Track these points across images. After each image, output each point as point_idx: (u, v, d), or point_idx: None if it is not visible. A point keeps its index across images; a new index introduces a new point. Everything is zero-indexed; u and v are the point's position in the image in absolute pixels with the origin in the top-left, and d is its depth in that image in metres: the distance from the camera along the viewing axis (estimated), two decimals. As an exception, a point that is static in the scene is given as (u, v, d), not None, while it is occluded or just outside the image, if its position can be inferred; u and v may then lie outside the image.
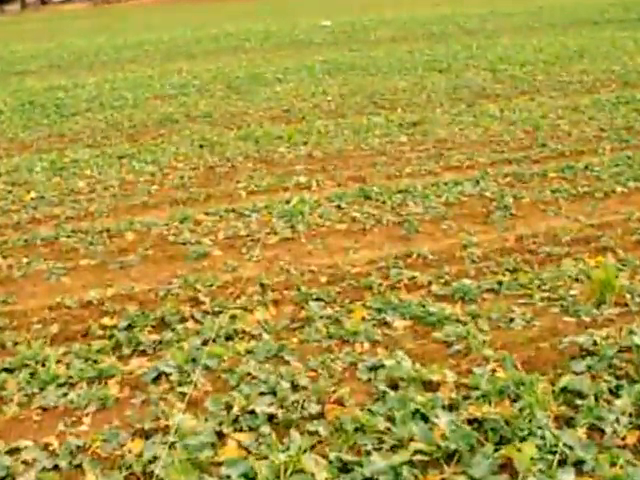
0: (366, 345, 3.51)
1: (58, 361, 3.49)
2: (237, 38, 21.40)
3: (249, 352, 3.46)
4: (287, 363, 3.36)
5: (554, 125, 8.18)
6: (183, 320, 3.88)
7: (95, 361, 3.49)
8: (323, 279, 4.35)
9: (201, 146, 8.05)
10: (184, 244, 5.12)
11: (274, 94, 11.15)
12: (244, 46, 18.98)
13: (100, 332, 3.81)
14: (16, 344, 3.73)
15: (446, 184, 6.15)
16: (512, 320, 3.71)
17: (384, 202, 5.75)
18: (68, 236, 5.42)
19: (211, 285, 4.32)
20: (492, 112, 8.92)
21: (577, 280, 4.14)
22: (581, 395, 2.93)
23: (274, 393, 3.05)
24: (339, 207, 5.71)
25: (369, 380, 3.16)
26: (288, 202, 5.81)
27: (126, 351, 3.60)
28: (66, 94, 12.46)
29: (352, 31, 21.29)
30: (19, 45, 25.18)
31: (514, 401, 2.89)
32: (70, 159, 7.83)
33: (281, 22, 27.65)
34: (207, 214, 5.73)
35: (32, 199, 6.43)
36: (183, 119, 9.75)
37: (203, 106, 10.55)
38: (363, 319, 3.75)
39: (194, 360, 3.38)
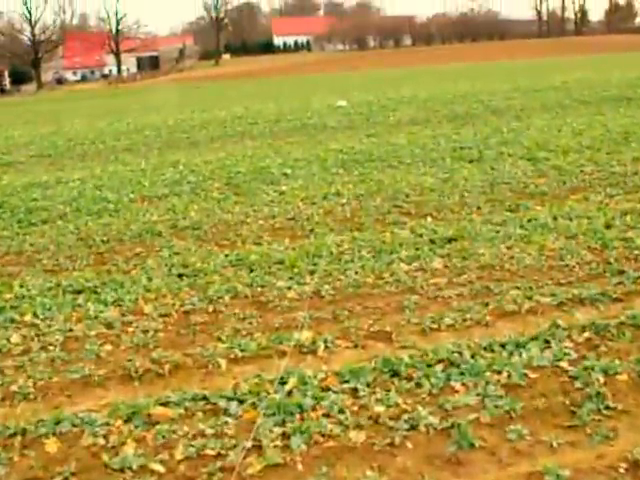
0: None
1: None
2: (245, 121, 20.04)
3: None
4: None
5: (625, 239, 6.44)
6: None
7: None
8: None
9: (180, 276, 6.37)
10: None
11: (279, 195, 9.53)
12: (252, 131, 17.56)
13: None
14: None
15: (504, 346, 4.39)
16: None
17: (419, 384, 4.00)
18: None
19: None
20: (543, 219, 7.21)
21: None
22: None
23: None
24: (355, 392, 3.97)
25: None
26: (283, 382, 4.08)
27: None
28: (44, 194, 10.93)
29: (369, 112, 19.88)
30: (17, 130, 24.02)
31: None
32: (15, 294, 6.16)
33: (295, 102, 26.43)
34: (166, 404, 3.99)
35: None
36: (167, 231, 8.12)
37: (194, 212, 8.93)
38: None
39: None
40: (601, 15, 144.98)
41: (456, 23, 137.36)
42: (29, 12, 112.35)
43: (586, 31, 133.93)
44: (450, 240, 6.74)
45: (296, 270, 6.17)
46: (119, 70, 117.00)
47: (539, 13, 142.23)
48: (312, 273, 6.08)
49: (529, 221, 7.23)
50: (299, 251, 6.74)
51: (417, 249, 6.49)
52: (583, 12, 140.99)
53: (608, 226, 6.89)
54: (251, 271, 6.35)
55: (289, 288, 5.77)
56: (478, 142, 12.76)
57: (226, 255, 6.88)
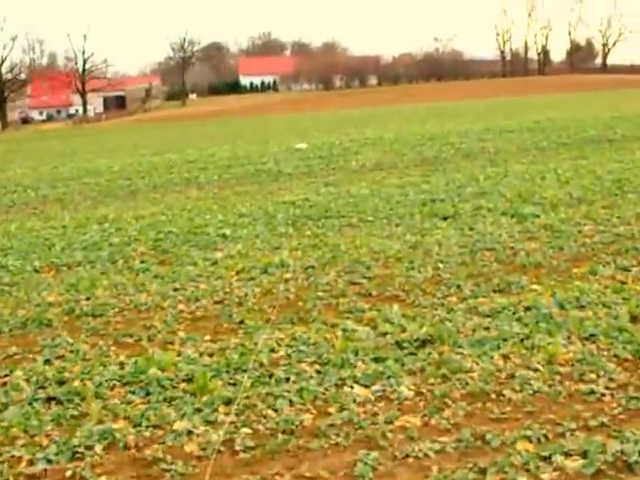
0: None
1: None
2: (196, 167, 18.25)
3: None
4: None
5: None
6: None
7: None
8: None
9: (50, 400, 4.50)
10: None
11: (210, 266, 7.71)
12: (199, 179, 15.76)
13: None
14: None
15: None
16: None
17: None
18: None
19: None
20: (545, 308, 5.46)
21: None
22: None
23: None
24: None
25: None
26: None
27: None
28: None
29: (330, 156, 18.20)
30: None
31: None
32: None
33: (253, 145, 24.73)
34: None
35: None
36: (60, 320, 6.25)
37: (101, 290, 7.06)
38: None
39: None
40: (563, 55, 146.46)
41: (421, 63, 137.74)
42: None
43: (549, 70, 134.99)
44: (424, 342, 4.94)
45: (207, 397, 4.33)
46: (85, 110, 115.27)
47: (502, 53, 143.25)
48: (228, 403, 4.24)
49: (527, 310, 5.47)
50: (217, 358, 4.91)
51: (378, 360, 4.67)
52: (545, 52, 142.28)
53: (634, 317, 5.16)
54: (147, 394, 4.50)
55: (190, 433, 3.92)
56: (451, 193, 11.09)
57: (121, 365, 5.02)
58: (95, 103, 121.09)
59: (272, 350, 5.02)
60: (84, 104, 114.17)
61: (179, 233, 9.52)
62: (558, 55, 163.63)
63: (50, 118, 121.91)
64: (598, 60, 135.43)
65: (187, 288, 6.89)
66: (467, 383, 4.24)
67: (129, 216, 11.24)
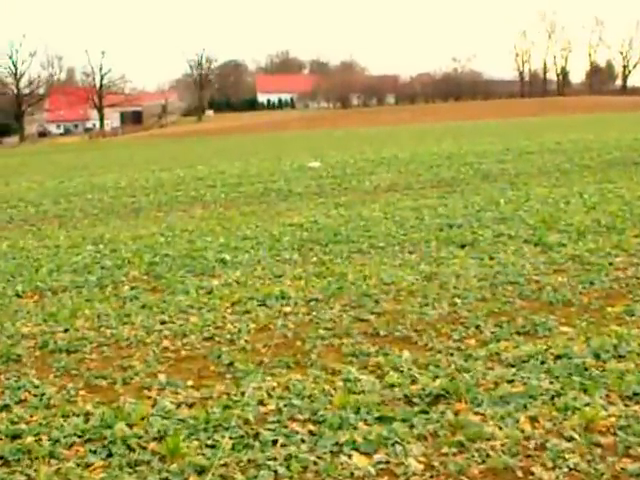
0: None
1: None
2: (204, 184, 17.65)
3: None
4: None
5: None
6: None
7: None
8: None
9: (-14, 467, 3.82)
10: None
11: (205, 295, 7.03)
12: (205, 197, 15.14)
13: None
14: None
15: None
16: None
17: None
18: None
19: None
20: (579, 356, 4.74)
21: None
22: None
23: None
24: None
25: None
26: None
27: None
28: None
29: (343, 175, 17.55)
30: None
31: None
32: None
33: (265, 162, 24.14)
34: None
35: None
36: (30, 356, 5.59)
37: (82, 321, 6.40)
38: None
39: None
40: (582, 76, 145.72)
41: (439, 82, 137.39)
42: (15, 66, 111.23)
43: (568, 92, 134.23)
44: (437, 398, 4.23)
45: (177, 464, 3.63)
46: (102, 124, 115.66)
47: (521, 74, 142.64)
48: (201, 472, 3.54)
49: (558, 359, 4.75)
50: (196, 412, 4.22)
51: (383, 420, 3.97)
52: (565, 73, 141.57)
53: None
54: (109, 455, 3.82)
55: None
56: (470, 217, 10.38)
57: (86, 416, 4.34)
58: (112, 118, 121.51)
59: (261, 402, 4.32)
60: (101, 119, 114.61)
61: (176, 256, 8.86)
62: (577, 76, 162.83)
63: (67, 132, 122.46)
64: (618, 82, 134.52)
65: (175, 321, 6.22)
66: (488, 455, 3.53)
67: (127, 236, 10.61)
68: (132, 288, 7.53)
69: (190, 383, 4.80)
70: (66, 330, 6.18)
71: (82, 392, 4.80)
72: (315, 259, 8.37)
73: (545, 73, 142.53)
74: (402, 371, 4.64)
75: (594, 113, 71.24)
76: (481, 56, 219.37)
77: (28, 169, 32.23)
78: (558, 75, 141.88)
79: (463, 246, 8.62)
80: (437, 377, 4.48)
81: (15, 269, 8.93)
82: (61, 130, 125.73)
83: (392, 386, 4.41)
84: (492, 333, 5.40)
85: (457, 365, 4.71)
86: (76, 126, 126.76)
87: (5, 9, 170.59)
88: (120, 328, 6.13)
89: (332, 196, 14.01)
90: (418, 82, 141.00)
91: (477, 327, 5.55)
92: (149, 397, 4.58)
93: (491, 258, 7.82)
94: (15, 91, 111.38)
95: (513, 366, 4.66)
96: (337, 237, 9.50)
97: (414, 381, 4.47)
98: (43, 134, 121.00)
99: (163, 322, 6.20)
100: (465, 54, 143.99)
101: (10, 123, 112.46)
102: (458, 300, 6.27)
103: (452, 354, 4.96)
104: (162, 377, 4.94)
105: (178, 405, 4.39)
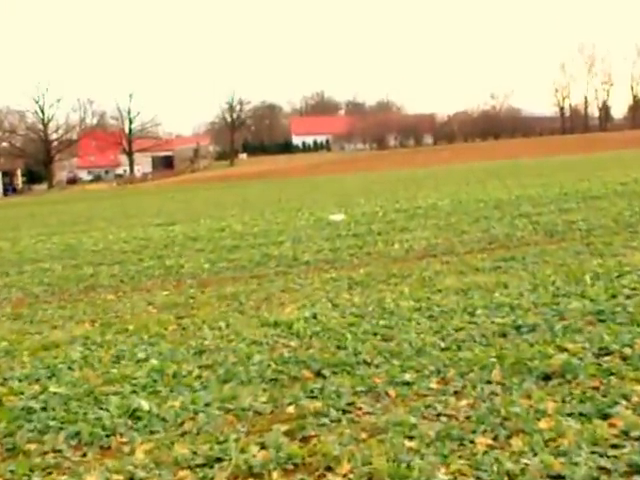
0: None
1: None
2: (194, 246, 14.23)
3: None
4: None
5: None
6: None
7: None
8: None
9: None
10: None
11: None
12: (182, 268, 11.66)
13: None
14: None
15: None
16: None
17: None
18: None
19: None
20: None
21: None
22: None
23: None
24: None
25: None
26: None
27: None
28: None
29: (368, 233, 14.01)
30: None
31: None
32: None
33: (280, 214, 20.71)
34: None
35: None
36: None
37: None
38: None
39: None
40: (624, 111, 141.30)
41: (477, 120, 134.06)
42: (42, 111, 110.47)
43: (610, 127, 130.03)
44: None
45: None
46: (132, 170, 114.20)
47: (561, 109, 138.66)
48: None
49: None
50: None
51: None
52: (606, 108, 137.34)
53: None
54: None
55: None
56: (546, 310, 6.74)
57: None
58: (143, 163, 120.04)
59: None
60: (131, 164, 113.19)
61: (69, 400, 5.34)
62: (619, 110, 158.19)
63: (98, 178, 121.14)
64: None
65: None
66: None
67: (28, 346, 7.12)
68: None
69: None
70: None
71: None
72: (292, 409, 4.81)
73: (586, 108, 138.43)
74: None
75: (637, 148, 67.14)
76: (519, 92, 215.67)
77: (25, 222, 29.27)
78: (600, 110, 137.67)
79: (547, 377, 5.01)
80: None
81: None
82: (92, 176, 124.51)
83: None
84: None
85: None
86: (107, 172, 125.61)
87: (38, 50, 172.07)
88: None
89: (348, 267, 10.45)
90: (456, 121, 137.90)
91: None
92: None
93: (603, 415, 4.19)
94: (43, 137, 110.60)
95: None
96: (339, 354, 5.92)
97: None
98: (73, 180, 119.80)
99: None
100: (503, 91, 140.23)
101: (41, 170, 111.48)
102: None
103: None
104: None
105: None
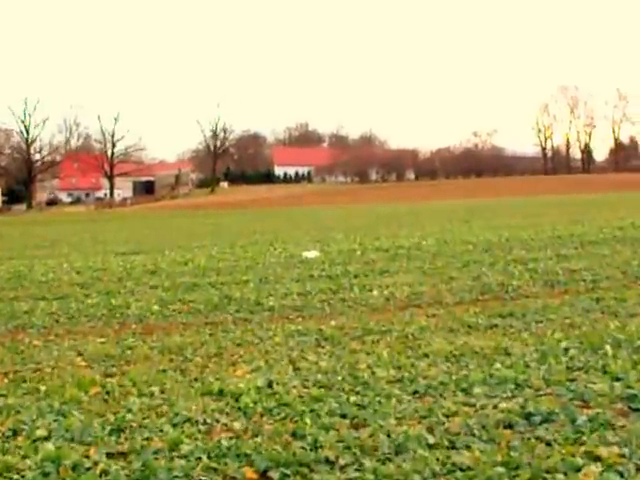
0: None
1: None
2: (149, 281, 12.73)
3: None
4: None
5: None
6: None
7: None
8: None
9: None
10: None
11: None
12: (130, 308, 10.15)
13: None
14: None
15: None
16: None
17: None
18: None
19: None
20: None
21: None
22: None
23: None
24: None
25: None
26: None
27: None
28: None
29: (343, 275, 12.55)
30: None
31: None
32: None
33: (251, 248, 19.25)
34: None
35: None
36: None
37: None
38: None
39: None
40: (605, 153, 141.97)
41: (460, 158, 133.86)
42: (27, 130, 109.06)
43: (592, 169, 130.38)
44: None
45: None
46: (112, 194, 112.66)
47: (544, 150, 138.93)
48: None
49: None
50: None
51: None
52: (588, 150, 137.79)
53: None
54: None
55: None
56: (561, 390, 5.31)
57: None
58: (124, 187, 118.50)
59: None
60: (111, 188, 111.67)
61: None
62: (601, 152, 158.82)
63: (77, 200, 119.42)
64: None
65: None
66: None
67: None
68: None
69: None
70: None
71: None
72: None
73: (568, 149, 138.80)
74: None
75: (622, 191, 66.71)
76: (502, 131, 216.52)
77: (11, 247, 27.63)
78: (582, 152, 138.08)
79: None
80: None
81: None
82: (72, 198, 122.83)
83: None
84: None
85: None
86: (87, 195, 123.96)
87: (27, 71, 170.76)
88: None
89: (318, 317, 8.99)
90: (438, 157, 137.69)
91: None
92: None
93: None
94: (25, 156, 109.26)
95: None
96: (294, 446, 4.43)
97: None
98: (53, 202, 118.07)
99: None
100: (486, 129, 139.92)
101: (22, 190, 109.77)
102: None
103: None
104: None
105: None
